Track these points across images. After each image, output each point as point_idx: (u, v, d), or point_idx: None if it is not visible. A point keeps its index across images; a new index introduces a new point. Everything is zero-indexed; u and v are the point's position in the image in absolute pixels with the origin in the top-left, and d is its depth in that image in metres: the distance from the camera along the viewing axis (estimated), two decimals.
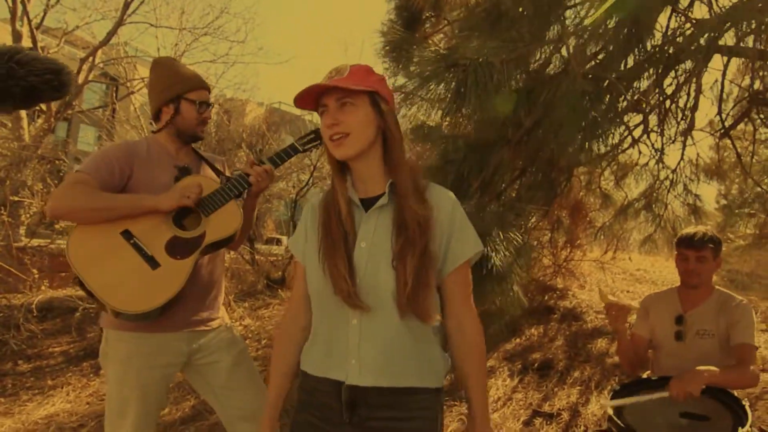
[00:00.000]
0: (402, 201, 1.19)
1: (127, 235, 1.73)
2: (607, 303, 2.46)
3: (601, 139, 1.83)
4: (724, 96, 4.02)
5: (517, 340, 4.38)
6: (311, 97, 1.21)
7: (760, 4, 2.37)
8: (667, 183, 4.57)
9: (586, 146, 1.87)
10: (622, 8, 1.71)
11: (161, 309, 1.70)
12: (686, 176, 4.67)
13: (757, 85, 3.62)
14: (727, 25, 3.25)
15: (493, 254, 1.82)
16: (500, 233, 1.83)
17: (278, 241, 12.51)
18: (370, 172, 1.25)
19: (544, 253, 5.53)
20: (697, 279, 2.35)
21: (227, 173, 2.07)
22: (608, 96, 1.84)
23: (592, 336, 4.33)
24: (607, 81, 2.35)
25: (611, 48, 1.99)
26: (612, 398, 2.10)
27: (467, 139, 2.11)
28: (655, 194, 4.66)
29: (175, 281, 1.70)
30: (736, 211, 5.90)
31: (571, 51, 1.99)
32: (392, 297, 1.15)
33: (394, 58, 3.23)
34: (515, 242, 1.94)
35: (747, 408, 1.85)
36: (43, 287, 4.94)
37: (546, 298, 5.33)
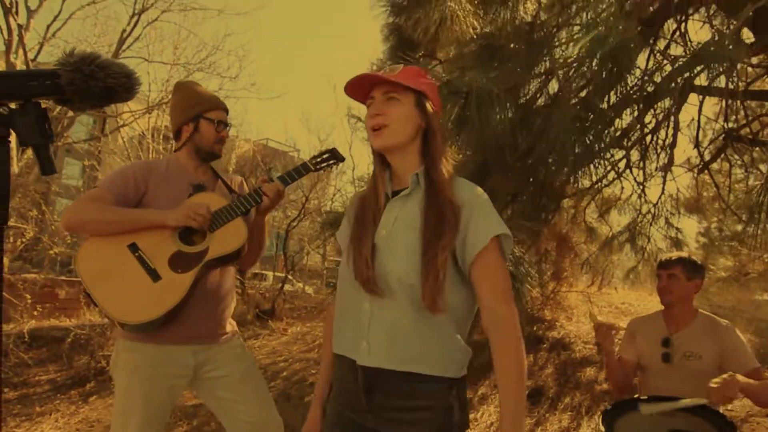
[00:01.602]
0: (436, 192, 1.23)
1: (133, 248, 1.80)
2: (597, 323, 2.56)
3: (592, 165, 1.94)
4: (702, 133, 4.25)
5: None
6: (362, 88, 1.28)
7: (731, 46, 2.58)
8: (649, 217, 4.73)
9: (579, 171, 1.98)
10: (603, 45, 1.87)
11: (161, 320, 1.75)
12: (667, 210, 4.83)
13: (731, 123, 3.85)
14: (701, 67, 3.48)
15: None
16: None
17: (264, 276, 12.45)
18: (406, 168, 1.30)
19: (532, 285, 5.65)
20: (669, 296, 2.44)
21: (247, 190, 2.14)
22: (596, 127, 1.97)
23: (581, 365, 4.39)
24: (592, 115, 2.53)
25: (594, 84, 2.15)
26: (604, 418, 2.15)
27: (465, 164, 2.24)
28: (638, 228, 4.81)
29: (174, 294, 1.76)
30: (716, 243, 6.09)
31: (560, 83, 2.14)
32: (403, 285, 1.19)
33: None
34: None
35: (734, 426, 1.92)
36: (35, 312, 4.90)
37: (535, 328, 5.40)
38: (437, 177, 1.25)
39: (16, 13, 10.80)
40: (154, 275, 1.78)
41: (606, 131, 2.24)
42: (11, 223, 5.19)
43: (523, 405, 1.17)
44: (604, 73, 2.12)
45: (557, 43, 2.24)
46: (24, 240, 5.31)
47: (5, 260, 6.04)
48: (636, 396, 2.45)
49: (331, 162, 2.06)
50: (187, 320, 1.86)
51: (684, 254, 2.63)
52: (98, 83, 0.79)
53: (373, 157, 1.34)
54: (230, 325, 2.06)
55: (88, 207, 1.83)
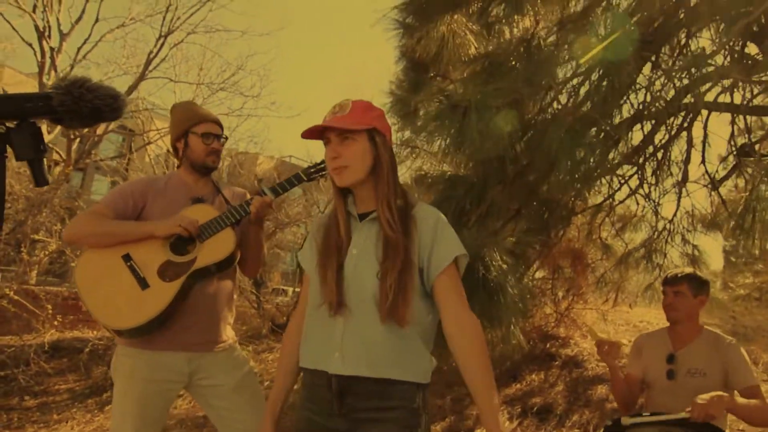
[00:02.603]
0: (381, 226, 1.36)
1: (126, 258, 1.92)
2: (598, 340, 2.57)
3: (603, 180, 1.97)
4: (712, 149, 4.21)
5: (518, 385, 4.41)
6: (316, 132, 1.41)
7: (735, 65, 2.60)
8: (665, 234, 4.69)
9: (575, 184, 2.02)
10: (599, 61, 1.91)
11: (149, 326, 1.85)
12: (683, 227, 4.79)
13: (740, 139, 3.81)
14: (708, 85, 3.49)
15: (484, 268, 1.95)
16: (494, 248, 1.97)
17: (284, 292, 12.56)
18: (369, 194, 1.43)
19: (545, 302, 5.62)
20: (675, 313, 2.44)
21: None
22: (592, 141, 2.01)
23: (593, 382, 4.35)
24: (591, 129, 2.56)
25: (595, 99, 2.19)
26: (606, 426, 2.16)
27: (466, 177, 2.30)
28: (653, 245, 4.77)
29: (160, 301, 1.86)
30: (733, 260, 5.98)
31: (561, 99, 2.19)
32: (373, 301, 1.32)
33: (401, 116, 3.49)
34: (508, 258, 2.06)
35: None
36: (56, 322, 5.07)
37: (548, 345, 5.36)
38: (379, 210, 1.38)
39: (49, 36, 11.29)
40: (143, 283, 1.89)
41: (599, 144, 2.28)
42: (37, 236, 5.42)
43: (497, 399, 1.29)
44: (603, 87, 2.16)
45: (558, 60, 2.30)
46: (47, 252, 5.52)
47: (33, 273, 6.28)
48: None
49: (325, 172, 2.12)
50: (182, 328, 1.94)
51: (690, 270, 2.63)
52: (87, 104, 0.88)
53: (333, 188, 1.46)
54: (227, 335, 2.10)
55: (87, 221, 1.97)
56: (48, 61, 10.80)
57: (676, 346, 2.46)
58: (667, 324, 2.56)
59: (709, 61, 3.04)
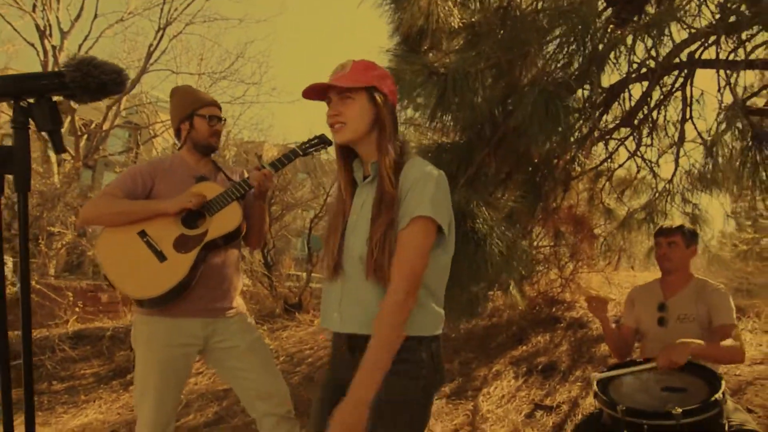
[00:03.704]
0: (379, 181, 1.40)
1: (142, 234, 2.08)
2: (588, 296, 2.70)
3: (562, 129, 2.06)
4: (705, 106, 4.26)
5: (524, 347, 4.55)
6: (318, 91, 1.45)
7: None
8: (665, 195, 4.75)
9: (552, 138, 2.11)
10: (572, 20, 1.99)
11: (170, 295, 2.01)
12: (684, 187, 4.84)
13: (727, 97, 3.85)
14: (699, 42, 3.53)
15: (471, 221, 2.05)
16: (480, 203, 2.07)
17: (297, 277, 12.71)
18: (370, 155, 1.47)
19: (550, 267, 5.73)
20: (669, 263, 2.55)
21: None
22: (565, 98, 2.09)
23: (597, 341, 4.47)
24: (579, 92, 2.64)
25: (574, 62, 2.27)
26: (599, 379, 2.30)
27: (452, 144, 2.40)
28: (654, 206, 4.83)
29: (178, 272, 2.02)
30: (731, 216, 6.02)
31: (539, 64, 2.28)
32: (361, 261, 1.37)
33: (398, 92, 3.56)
34: (493, 213, 2.15)
35: (721, 378, 2.03)
36: (77, 309, 5.29)
37: (553, 310, 5.48)
38: (380, 165, 1.41)
39: (50, 35, 11.42)
40: (161, 256, 2.05)
41: (588, 110, 2.36)
42: (55, 229, 5.62)
43: (382, 364, 1.29)
44: (580, 51, 2.24)
45: (536, 26, 2.37)
46: (64, 243, 5.72)
47: (52, 265, 6.50)
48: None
49: (319, 146, 2.26)
50: (196, 296, 2.10)
51: (681, 222, 2.74)
52: (94, 80, 1.01)
53: (335, 151, 1.52)
54: (238, 302, 2.26)
55: (101, 203, 2.13)
56: (51, 59, 10.95)
57: (666, 295, 2.57)
58: (659, 276, 2.69)
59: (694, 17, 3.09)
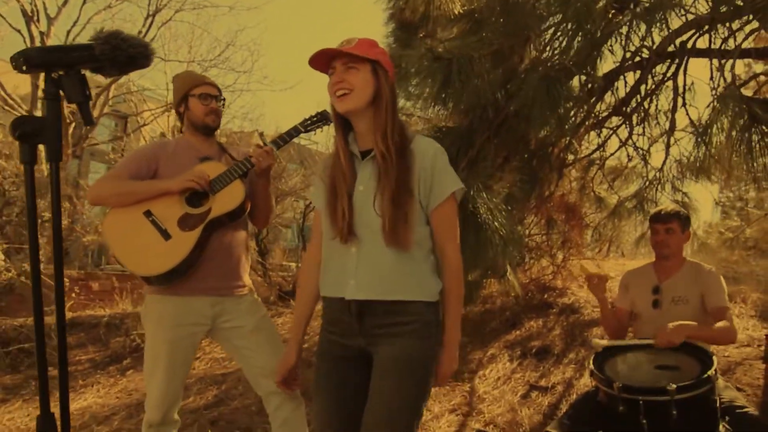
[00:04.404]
0: (389, 156, 1.47)
1: (147, 213, 2.11)
2: (588, 274, 2.77)
3: (562, 113, 2.11)
4: (696, 95, 4.33)
5: (517, 332, 4.63)
6: (323, 61, 1.50)
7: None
8: (656, 183, 4.84)
9: (552, 122, 2.16)
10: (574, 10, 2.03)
11: (176, 272, 2.04)
12: (673, 175, 4.93)
13: (720, 83, 3.93)
14: (692, 32, 3.58)
15: (473, 205, 2.10)
16: (482, 187, 2.12)
17: (288, 268, 12.72)
18: (368, 129, 1.52)
19: (542, 254, 5.81)
20: (667, 249, 2.62)
21: None
22: (565, 84, 2.14)
23: (589, 325, 4.56)
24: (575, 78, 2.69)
25: (572, 49, 2.31)
26: (595, 359, 2.36)
27: (454, 128, 2.44)
28: (645, 194, 4.92)
29: (182, 249, 2.06)
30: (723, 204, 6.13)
31: (539, 49, 2.32)
32: (378, 230, 1.45)
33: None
34: (495, 198, 2.21)
35: (713, 357, 2.11)
36: (73, 294, 5.27)
37: (546, 296, 5.57)
38: (380, 143, 1.48)
39: (37, 21, 11.24)
40: (166, 235, 2.08)
41: (585, 97, 2.41)
42: (47, 215, 5.58)
43: (460, 315, 1.55)
44: (579, 37, 2.29)
45: (535, 12, 2.41)
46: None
47: (42, 253, 6.46)
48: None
49: (321, 123, 2.27)
50: (204, 275, 2.13)
51: (676, 207, 2.80)
52: (123, 53, 1.03)
53: (335, 124, 1.56)
54: (246, 281, 2.29)
55: (108, 184, 2.17)
56: (38, 45, 10.78)
57: (660, 278, 2.63)
58: (652, 260, 2.75)
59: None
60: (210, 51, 29.14)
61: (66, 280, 5.24)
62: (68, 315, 5.82)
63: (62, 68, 1.00)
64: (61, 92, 1.00)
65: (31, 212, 0.99)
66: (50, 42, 11.14)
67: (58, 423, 0.99)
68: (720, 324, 2.32)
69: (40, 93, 11.07)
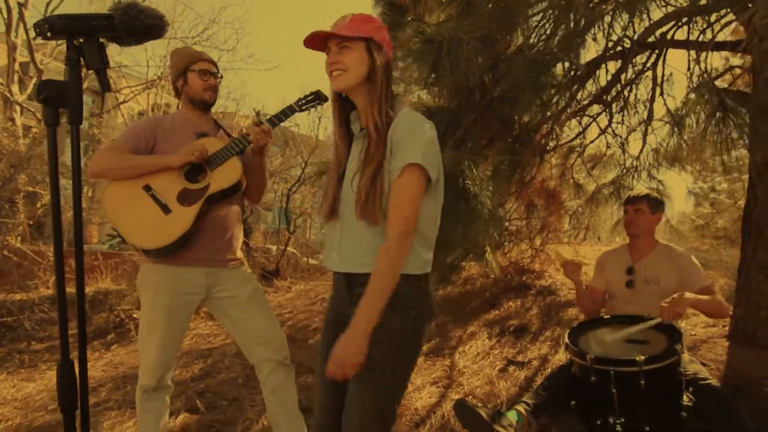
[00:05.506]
0: (369, 131, 1.51)
1: (147, 188, 2.16)
2: (563, 260, 2.90)
3: (546, 97, 2.20)
4: (674, 86, 4.47)
5: (496, 311, 4.78)
6: (318, 41, 1.54)
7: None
8: (632, 170, 5.00)
9: (535, 107, 2.25)
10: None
11: (175, 245, 2.11)
12: (650, 164, 5.10)
13: (696, 72, 4.07)
14: (671, 23, 3.70)
15: (463, 180, 2.19)
16: (471, 163, 2.20)
17: (269, 250, 12.69)
18: (365, 105, 1.55)
19: (521, 238, 5.97)
20: (636, 228, 2.76)
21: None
22: (551, 68, 2.22)
23: (565, 306, 4.73)
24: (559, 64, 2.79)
25: (556, 35, 2.40)
26: (570, 334, 2.50)
27: (442, 108, 2.52)
28: (622, 181, 5.08)
29: (182, 223, 2.12)
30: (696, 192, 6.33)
31: (526, 35, 2.40)
32: (353, 206, 1.49)
33: None
34: (482, 174, 2.30)
35: (681, 333, 2.24)
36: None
37: (524, 278, 5.73)
38: (372, 117, 1.51)
39: None
40: (166, 209, 2.13)
41: (568, 84, 2.50)
42: (30, 188, 5.54)
43: (379, 298, 1.44)
44: (562, 24, 2.38)
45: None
46: (43, 203, 5.65)
47: (20, 228, 6.40)
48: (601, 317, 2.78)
49: (316, 103, 2.34)
50: (199, 246, 2.20)
51: (648, 191, 2.95)
52: (140, 23, 1.09)
53: (332, 103, 1.61)
54: (238, 256, 2.37)
55: (109, 157, 2.19)
56: (16, 16, 10.51)
57: (634, 259, 2.78)
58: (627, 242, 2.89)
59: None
60: (193, 28, 28.61)
61: (50, 254, 5.22)
62: (49, 292, 5.81)
63: (83, 36, 1.05)
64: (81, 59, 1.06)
65: (53, 173, 1.05)
66: (28, 12, 10.87)
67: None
68: (712, 297, 2.47)
69: (17, 66, 10.85)
